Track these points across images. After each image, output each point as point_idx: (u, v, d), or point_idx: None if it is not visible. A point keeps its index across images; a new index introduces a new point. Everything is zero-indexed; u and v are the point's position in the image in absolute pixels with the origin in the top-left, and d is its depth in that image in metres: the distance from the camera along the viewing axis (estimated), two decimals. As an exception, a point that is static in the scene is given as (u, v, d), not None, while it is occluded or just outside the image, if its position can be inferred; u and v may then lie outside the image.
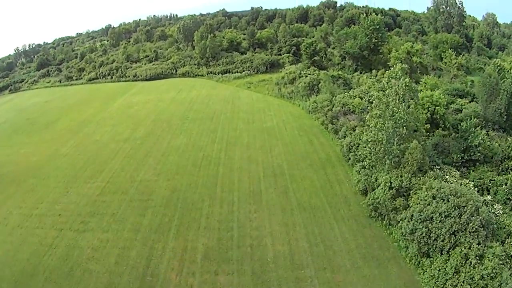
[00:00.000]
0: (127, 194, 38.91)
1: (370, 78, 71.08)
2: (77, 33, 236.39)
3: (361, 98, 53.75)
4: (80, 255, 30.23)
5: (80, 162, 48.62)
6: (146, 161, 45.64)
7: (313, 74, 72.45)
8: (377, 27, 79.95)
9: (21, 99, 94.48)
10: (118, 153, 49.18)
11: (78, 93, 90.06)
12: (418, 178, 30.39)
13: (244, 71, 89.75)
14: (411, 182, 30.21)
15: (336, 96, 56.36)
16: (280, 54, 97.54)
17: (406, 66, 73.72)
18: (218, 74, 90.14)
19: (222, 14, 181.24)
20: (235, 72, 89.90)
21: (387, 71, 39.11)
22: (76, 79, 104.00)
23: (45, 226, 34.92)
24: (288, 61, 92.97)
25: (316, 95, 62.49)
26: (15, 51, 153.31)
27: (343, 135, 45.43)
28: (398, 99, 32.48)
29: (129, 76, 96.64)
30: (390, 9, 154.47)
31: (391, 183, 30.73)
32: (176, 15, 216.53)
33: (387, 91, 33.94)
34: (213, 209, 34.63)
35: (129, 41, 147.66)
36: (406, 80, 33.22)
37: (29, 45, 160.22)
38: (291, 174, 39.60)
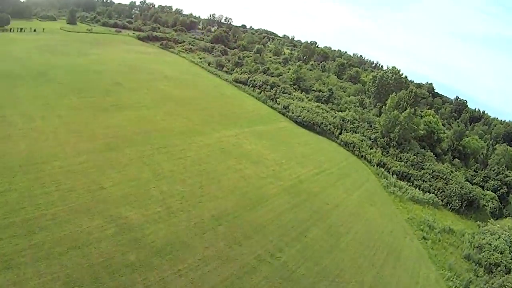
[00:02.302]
0: None
1: None
2: (284, 35, 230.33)
3: None
4: None
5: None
6: None
7: None
8: None
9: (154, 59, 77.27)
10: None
11: (202, 90, 64.89)
12: None
13: (431, 191, 49.76)
14: None
15: None
16: (483, 187, 58.18)
17: None
18: (393, 174, 51.89)
19: (427, 89, 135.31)
20: (416, 186, 50.58)
21: None
22: (226, 72, 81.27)
23: None
24: (491, 208, 52.12)
25: None
26: (209, 16, 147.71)
27: None
28: None
29: (278, 104, 67.01)
30: None
31: None
32: (382, 66, 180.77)
33: None
34: None
35: (317, 65, 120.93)
36: None
37: (226, 18, 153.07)
38: None
